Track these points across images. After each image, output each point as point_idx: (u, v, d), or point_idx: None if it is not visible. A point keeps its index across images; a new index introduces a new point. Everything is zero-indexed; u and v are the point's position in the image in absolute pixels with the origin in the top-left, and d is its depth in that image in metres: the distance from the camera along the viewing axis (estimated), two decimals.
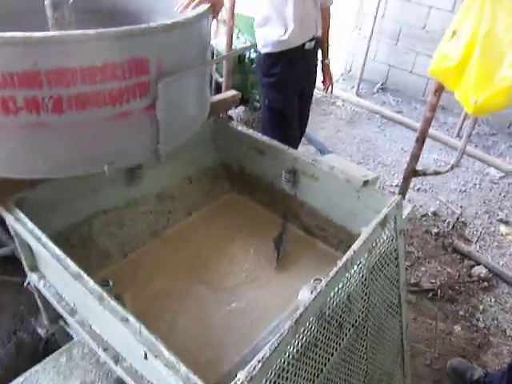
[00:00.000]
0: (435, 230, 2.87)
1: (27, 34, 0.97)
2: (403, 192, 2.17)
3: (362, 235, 1.21)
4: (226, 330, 1.40)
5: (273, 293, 1.55)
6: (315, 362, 1.08)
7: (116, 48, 1.09)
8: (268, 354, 0.88)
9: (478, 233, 2.91)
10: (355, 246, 1.16)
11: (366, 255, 1.22)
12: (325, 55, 2.60)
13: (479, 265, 2.61)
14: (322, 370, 1.12)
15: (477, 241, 2.84)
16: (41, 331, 1.55)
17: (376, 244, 1.27)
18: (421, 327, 2.20)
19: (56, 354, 1.22)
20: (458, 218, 3.01)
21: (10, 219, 1.24)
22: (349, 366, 1.27)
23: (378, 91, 4.94)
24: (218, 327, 1.40)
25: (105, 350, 1.15)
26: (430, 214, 3.04)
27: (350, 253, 1.13)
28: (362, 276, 1.22)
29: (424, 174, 2.17)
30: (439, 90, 1.94)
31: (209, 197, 1.94)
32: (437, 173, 2.19)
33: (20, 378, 1.16)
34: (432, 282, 2.48)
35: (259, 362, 0.87)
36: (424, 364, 2.06)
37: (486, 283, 2.50)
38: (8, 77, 1.02)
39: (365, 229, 1.24)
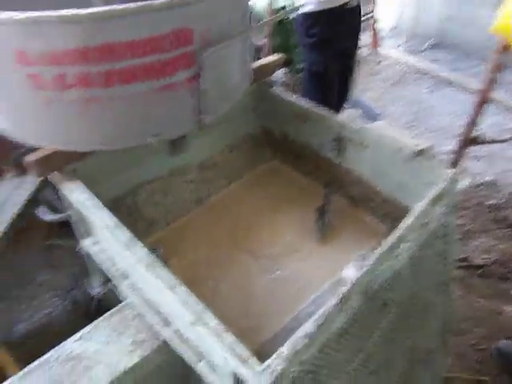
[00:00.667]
0: (489, 202, 2.79)
1: (74, 11, 1.00)
2: (457, 162, 2.11)
3: (413, 211, 1.20)
4: (268, 298, 1.45)
5: (315, 265, 1.58)
6: (357, 339, 1.11)
7: (160, 20, 1.10)
8: (313, 330, 0.92)
9: None
10: (406, 223, 1.16)
11: (417, 232, 1.22)
12: (371, 10, 2.51)
13: None
14: (364, 346, 1.15)
15: None
16: (92, 292, 1.66)
17: (427, 220, 1.26)
18: (468, 305, 2.19)
19: (108, 315, 1.31)
20: None
21: (65, 190, 1.32)
22: (391, 345, 1.30)
23: (429, 48, 4.72)
24: (260, 295, 1.46)
25: (155, 313, 1.24)
26: (484, 184, 2.95)
27: (399, 230, 1.14)
28: (411, 253, 1.23)
29: (482, 142, 2.09)
30: (505, 48, 1.82)
31: (250, 165, 1.97)
32: (497, 141, 2.10)
33: (78, 333, 1.26)
34: (483, 258, 2.44)
35: (304, 336, 0.92)
36: (468, 344, 2.06)
37: None
38: (61, 54, 1.06)
39: (417, 204, 1.24)
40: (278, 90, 1.88)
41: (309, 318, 1.38)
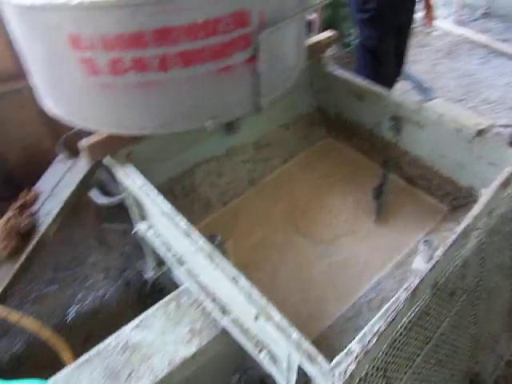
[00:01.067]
0: None
1: None
2: None
3: (482, 198, 1.07)
4: (325, 283, 1.37)
5: (373, 247, 1.47)
6: (425, 330, 1.02)
7: (218, 2, 1.01)
8: (384, 328, 0.83)
9: None
10: (475, 211, 1.03)
11: (485, 218, 1.09)
12: None
13: None
14: (431, 337, 1.05)
15: None
16: (146, 275, 1.63)
17: (496, 206, 1.12)
18: None
19: (165, 301, 1.26)
20: None
21: (120, 174, 1.26)
22: (457, 332, 1.19)
23: (481, 17, 4.32)
24: (318, 280, 1.37)
25: (212, 300, 1.17)
26: None
27: (469, 219, 1.01)
28: (480, 240, 1.10)
29: None
30: None
31: (305, 143, 1.86)
32: None
33: (135, 321, 1.22)
34: None
35: (375, 334, 0.82)
36: None
37: None
38: (116, 39, 0.99)
39: (485, 190, 1.10)
40: (333, 68, 1.73)
41: (368, 305, 1.30)
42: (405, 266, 1.40)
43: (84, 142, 1.24)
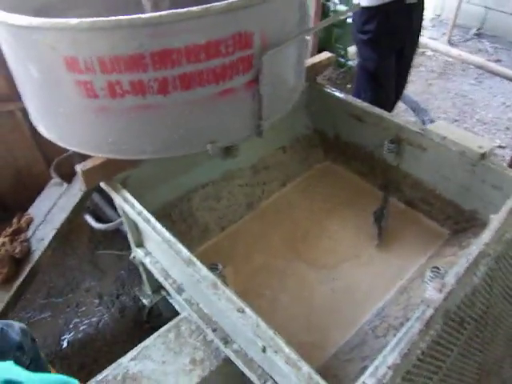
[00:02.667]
0: None
1: (132, 16, 0.91)
2: None
3: (492, 224, 1.06)
4: (328, 310, 1.34)
5: (375, 272, 1.45)
6: (436, 360, 0.99)
7: (220, 23, 1.00)
8: (399, 361, 0.80)
9: None
10: (486, 238, 1.02)
11: (495, 245, 1.08)
12: None
13: None
14: (441, 367, 1.03)
15: None
16: (144, 300, 1.59)
17: (505, 232, 1.12)
18: None
19: (164, 330, 1.22)
20: None
21: (117, 199, 1.23)
22: (464, 360, 1.17)
23: (472, 37, 4.42)
24: (320, 307, 1.35)
25: (214, 330, 1.14)
26: None
27: (480, 246, 1.00)
28: (488, 267, 1.09)
29: None
30: None
31: (303, 166, 1.85)
32: None
33: (134, 351, 1.18)
34: None
35: (389, 368, 0.80)
36: None
37: None
38: (114, 61, 0.97)
39: (494, 216, 1.09)
40: (331, 89, 1.74)
41: (373, 333, 1.27)
42: (409, 291, 1.38)
43: (79, 167, 1.21)
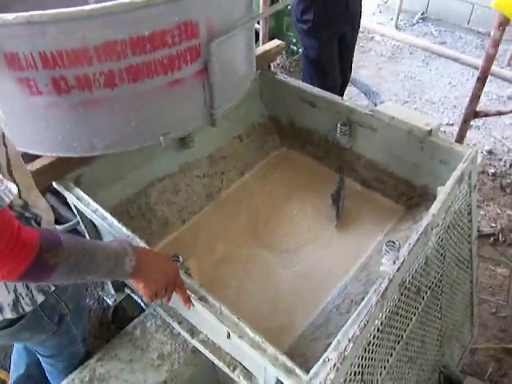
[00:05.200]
0: (492, 170, 2.70)
1: (72, 9, 0.89)
2: (463, 136, 2.02)
3: (439, 196, 1.12)
4: (293, 293, 1.37)
5: (335, 252, 1.50)
6: (396, 329, 1.04)
7: (164, 14, 1.00)
8: (359, 333, 0.84)
9: None
10: (434, 209, 1.07)
11: (443, 216, 1.14)
12: None
13: None
14: (402, 336, 1.08)
15: None
16: (108, 300, 1.57)
17: (453, 202, 1.18)
18: (483, 274, 2.12)
19: (130, 327, 1.22)
20: None
21: (71, 198, 1.21)
22: (424, 327, 1.24)
23: (418, 22, 4.56)
24: (285, 291, 1.38)
25: (179, 323, 1.15)
26: (484, 152, 2.86)
27: (429, 217, 1.05)
28: (439, 237, 1.15)
29: (486, 115, 2.00)
30: (504, 23, 1.73)
31: (260, 154, 1.87)
32: (500, 113, 2.01)
33: (100, 352, 1.18)
34: (492, 226, 2.36)
35: (350, 340, 0.83)
36: (489, 312, 2.00)
37: None
38: (56, 56, 0.95)
39: (441, 188, 1.15)
40: (283, 76, 1.76)
41: (337, 310, 1.31)
42: (368, 268, 1.43)
43: (29, 168, 1.18)
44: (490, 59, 1.83)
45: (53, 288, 0.94)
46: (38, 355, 1.16)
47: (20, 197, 0.83)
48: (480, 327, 1.82)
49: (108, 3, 0.91)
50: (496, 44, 1.80)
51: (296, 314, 1.32)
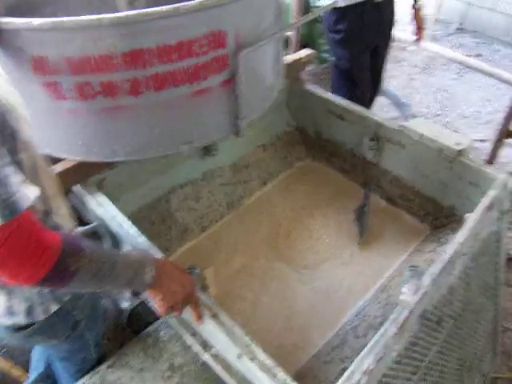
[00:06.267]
0: None
1: (101, 16, 0.87)
2: (495, 154, 1.92)
3: (467, 224, 1.05)
4: (309, 311, 1.33)
5: (356, 271, 1.44)
6: (414, 360, 0.98)
7: (192, 23, 0.97)
8: (373, 366, 0.79)
9: None
10: (461, 237, 1.01)
11: (471, 244, 1.07)
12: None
13: None
14: (420, 367, 1.02)
15: None
16: (124, 304, 1.56)
17: (481, 230, 1.11)
18: (509, 299, 2.01)
19: (143, 336, 1.20)
20: None
21: (91, 203, 1.20)
22: (444, 357, 1.17)
23: (454, 32, 4.43)
24: (302, 308, 1.33)
25: (193, 335, 1.12)
26: None
27: (455, 245, 0.99)
28: (465, 266, 1.08)
29: None
30: None
31: (284, 164, 1.83)
32: None
33: (112, 359, 1.16)
34: None
35: (364, 373, 0.78)
36: None
37: None
38: (84, 61, 0.93)
39: (470, 215, 1.08)
40: (312, 87, 1.71)
41: (353, 333, 1.26)
42: (389, 289, 1.37)
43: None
44: None
45: (68, 296, 0.92)
46: (52, 356, 1.15)
47: (43, 202, 0.82)
48: (503, 356, 1.72)
49: (134, 12, 0.89)
50: None
51: (311, 333, 1.27)
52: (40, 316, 0.88)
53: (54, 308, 0.90)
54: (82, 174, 1.21)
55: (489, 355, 1.59)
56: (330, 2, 2.02)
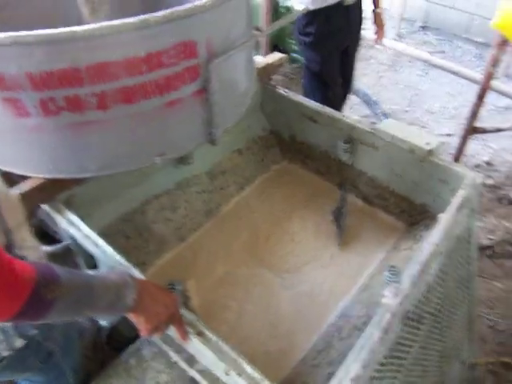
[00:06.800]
0: (490, 182, 2.64)
1: (63, 29, 0.83)
2: (462, 150, 1.95)
3: (440, 224, 1.07)
4: (293, 316, 1.32)
5: (337, 272, 1.44)
6: (398, 359, 0.99)
7: (160, 34, 0.94)
8: (360, 372, 0.79)
9: None
10: (435, 238, 1.02)
11: (445, 243, 1.08)
12: (376, 4, 2.30)
13: None
14: (403, 364, 1.03)
15: None
16: (103, 323, 1.51)
17: (454, 228, 1.13)
18: (480, 287, 2.06)
19: (125, 356, 1.16)
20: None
21: (61, 222, 1.14)
22: (425, 352, 1.18)
23: (418, 30, 4.51)
24: (286, 313, 1.32)
25: (177, 352, 1.09)
26: (482, 163, 2.80)
27: (431, 246, 1.00)
28: (440, 264, 1.09)
29: (484, 131, 1.93)
30: (503, 44, 1.67)
31: (260, 168, 1.81)
32: (499, 130, 1.95)
33: (95, 382, 1.12)
34: (489, 239, 2.30)
35: (352, 381, 0.78)
36: (487, 326, 1.94)
37: None
38: (45, 77, 0.89)
39: (443, 215, 1.10)
40: (284, 90, 1.70)
41: (338, 335, 1.26)
42: (370, 289, 1.38)
43: (16, 190, 1.09)
44: (489, 77, 1.78)
45: (35, 331, 0.87)
46: None
47: (4, 236, 0.77)
48: (478, 341, 1.76)
49: (99, 24, 0.86)
50: (495, 63, 1.74)
51: (297, 337, 1.26)
52: (4, 353, 0.83)
53: (20, 344, 0.85)
54: (49, 192, 1.14)
55: (466, 343, 1.62)
56: (299, 4, 2.03)
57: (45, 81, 0.90)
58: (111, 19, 0.89)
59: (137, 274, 0.97)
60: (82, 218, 1.13)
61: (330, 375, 0.82)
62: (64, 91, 0.92)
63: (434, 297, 1.14)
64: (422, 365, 1.20)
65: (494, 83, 2.35)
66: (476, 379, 1.82)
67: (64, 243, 1.26)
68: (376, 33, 2.44)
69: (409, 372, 1.09)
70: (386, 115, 3.08)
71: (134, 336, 1.24)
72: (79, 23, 0.94)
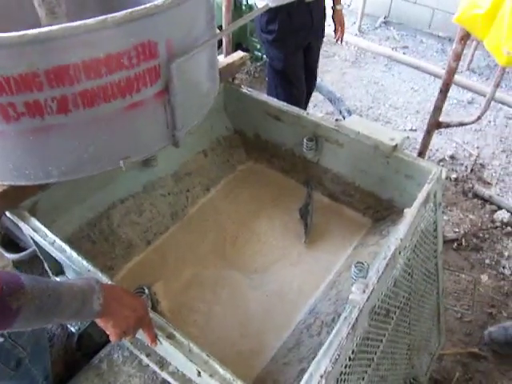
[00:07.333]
0: (454, 176, 2.76)
1: (18, 32, 0.82)
2: (426, 145, 2.04)
3: (406, 219, 1.11)
4: (263, 315, 1.34)
5: (305, 270, 1.48)
6: (367, 353, 1.03)
7: (119, 35, 0.94)
8: (330, 368, 0.82)
9: (497, 174, 2.80)
10: (401, 233, 1.07)
11: (411, 237, 1.13)
12: (336, 0, 2.35)
13: (501, 209, 2.52)
14: (373, 359, 1.07)
15: (496, 183, 2.74)
16: (72, 328, 1.50)
17: (418, 223, 1.18)
18: (448, 280, 2.16)
19: (96, 361, 1.16)
20: (475, 161, 2.89)
21: (26, 229, 1.14)
22: (394, 345, 1.23)
23: (381, 26, 4.63)
24: (255, 313, 1.35)
25: (147, 355, 1.10)
26: (447, 158, 2.92)
27: (397, 241, 1.05)
28: (407, 258, 1.14)
29: (448, 125, 2.02)
30: (465, 38, 1.75)
31: (226, 168, 1.83)
32: (462, 124, 2.04)
33: None
34: (455, 232, 2.41)
35: (322, 377, 0.81)
36: (454, 317, 2.03)
37: (509, 228, 2.43)
38: (3, 82, 0.88)
39: (408, 210, 1.15)
40: (247, 89, 1.73)
41: (308, 332, 1.30)
42: (338, 285, 1.42)
43: None
44: (451, 72, 1.86)
45: (2, 339, 0.87)
46: None
47: None
48: (446, 333, 1.84)
49: (55, 27, 0.85)
50: (458, 58, 1.82)
51: (267, 336, 1.29)
52: None
53: None
54: (13, 198, 1.14)
55: (434, 335, 1.70)
56: (260, 2, 2.06)
57: (2, 86, 0.88)
58: (70, 21, 0.88)
59: (104, 278, 0.97)
60: (47, 225, 1.12)
61: (301, 372, 0.86)
62: (23, 96, 0.91)
63: (402, 291, 1.19)
64: (391, 358, 1.25)
65: (457, 77, 2.45)
66: (445, 370, 1.91)
67: (29, 250, 1.24)
68: (335, 30, 2.49)
69: (378, 366, 1.14)
70: (350, 112, 3.16)
71: (104, 341, 1.24)
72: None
